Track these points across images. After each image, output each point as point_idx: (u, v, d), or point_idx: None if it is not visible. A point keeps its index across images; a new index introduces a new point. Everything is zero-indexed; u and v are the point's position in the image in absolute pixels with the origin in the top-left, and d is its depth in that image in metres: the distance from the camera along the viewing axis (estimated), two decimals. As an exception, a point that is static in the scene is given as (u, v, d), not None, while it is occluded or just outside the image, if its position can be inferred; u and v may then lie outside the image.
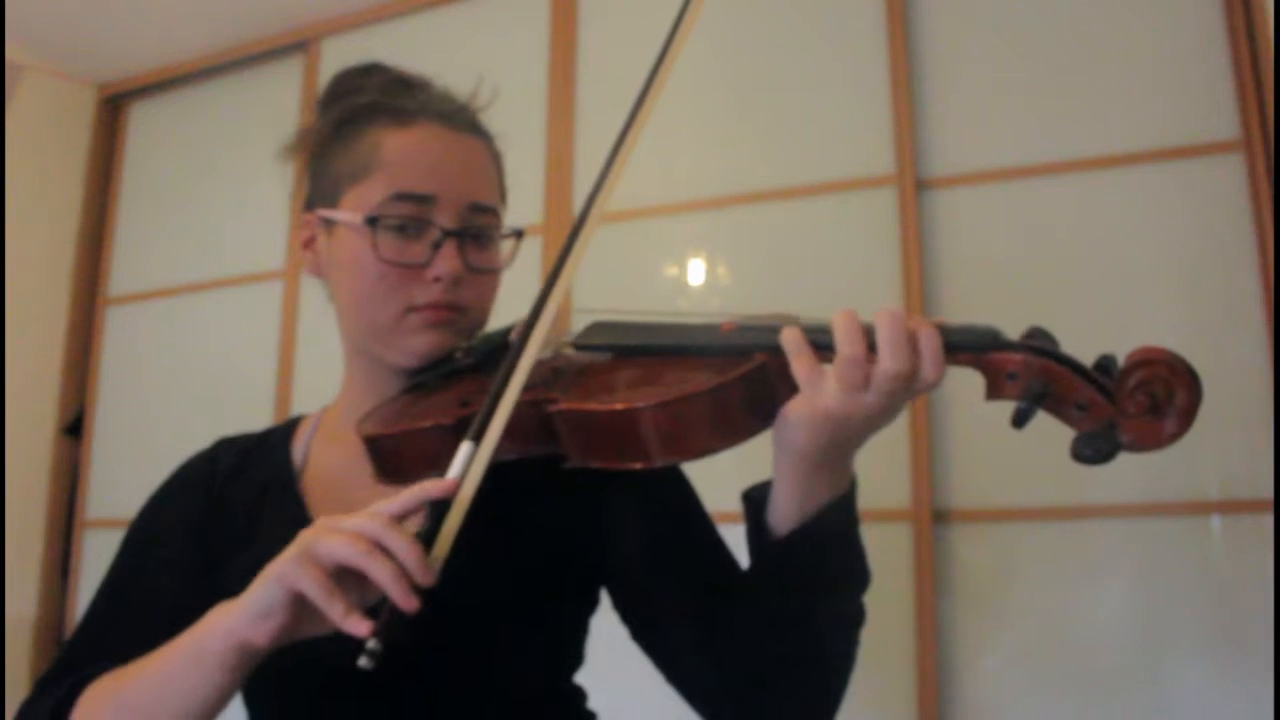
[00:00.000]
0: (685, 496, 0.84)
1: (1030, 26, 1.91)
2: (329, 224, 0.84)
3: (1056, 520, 1.72)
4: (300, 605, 0.58)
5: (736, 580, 0.76)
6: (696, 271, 2.08)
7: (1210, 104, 1.75)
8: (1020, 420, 0.59)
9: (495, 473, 0.73)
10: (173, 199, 2.76)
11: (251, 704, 0.82)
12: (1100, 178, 1.80)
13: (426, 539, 0.59)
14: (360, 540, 0.57)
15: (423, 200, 0.80)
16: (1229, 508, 1.64)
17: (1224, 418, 1.62)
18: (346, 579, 0.58)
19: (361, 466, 0.78)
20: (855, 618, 0.74)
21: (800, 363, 0.63)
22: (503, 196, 0.89)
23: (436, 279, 0.80)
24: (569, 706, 0.86)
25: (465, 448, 0.62)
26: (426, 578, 0.57)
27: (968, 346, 0.61)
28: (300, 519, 0.82)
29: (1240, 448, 1.63)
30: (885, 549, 1.79)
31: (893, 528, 1.80)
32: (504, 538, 0.79)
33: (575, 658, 0.86)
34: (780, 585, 0.70)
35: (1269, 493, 1.58)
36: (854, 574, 0.73)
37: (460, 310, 0.82)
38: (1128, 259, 1.77)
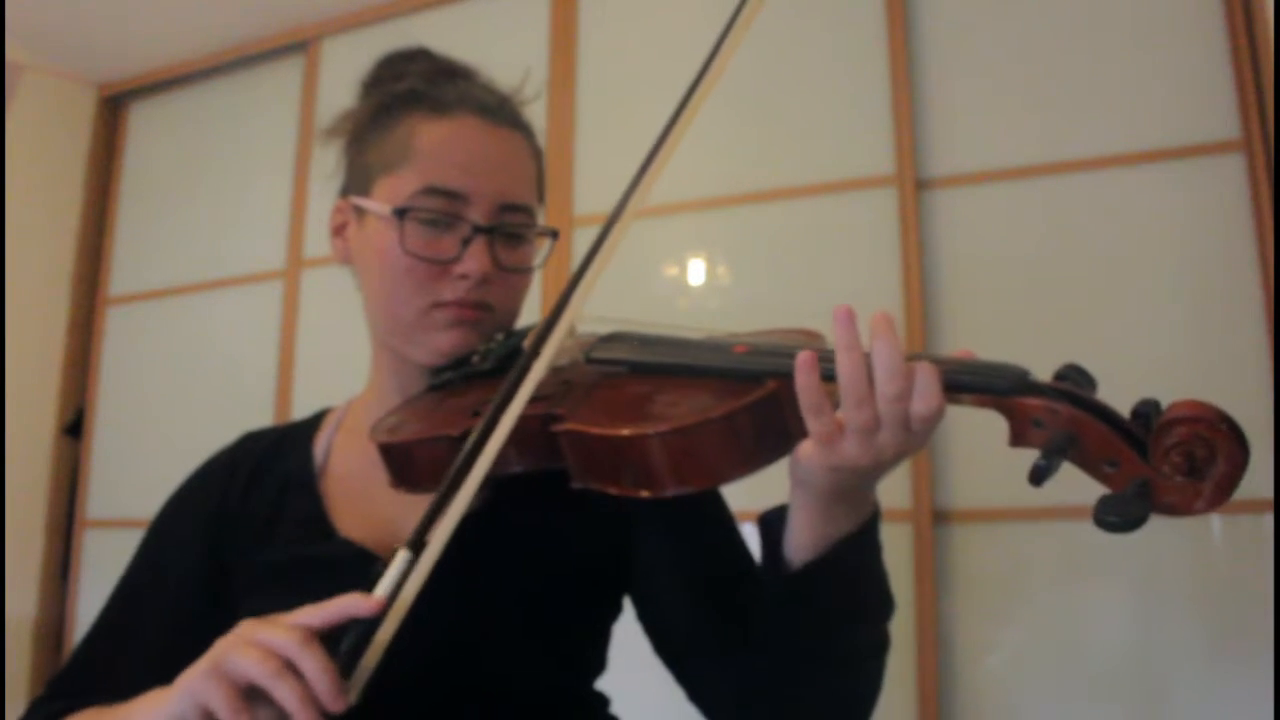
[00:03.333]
0: (715, 517, 0.82)
1: (1030, 26, 1.90)
2: (360, 212, 0.82)
3: (1056, 520, 1.71)
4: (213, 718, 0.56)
5: (759, 605, 0.72)
6: (696, 271, 2.08)
7: (1210, 104, 1.75)
8: (1038, 478, 0.52)
9: (515, 483, 0.70)
10: (173, 199, 2.76)
11: None
12: (1100, 178, 1.80)
13: (349, 658, 0.55)
14: (271, 659, 0.54)
15: (454, 196, 0.78)
16: (1229, 508, 1.63)
17: (1224, 418, 1.62)
18: (261, 694, 0.55)
19: (381, 467, 0.77)
20: (879, 645, 0.71)
21: (816, 422, 0.58)
22: (540, 194, 0.87)
23: (463, 276, 0.78)
24: (590, 713, 0.84)
25: (401, 557, 0.57)
26: (337, 704, 0.53)
27: (986, 389, 0.55)
28: (320, 519, 0.82)
29: (1240, 448, 1.63)
30: (886, 549, 1.78)
31: (893, 528, 1.80)
32: (525, 549, 0.78)
33: (597, 664, 0.84)
34: (800, 617, 0.67)
35: (1269, 493, 1.58)
36: (876, 603, 0.70)
37: (487, 309, 0.80)
38: (1128, 259, 1.76)
